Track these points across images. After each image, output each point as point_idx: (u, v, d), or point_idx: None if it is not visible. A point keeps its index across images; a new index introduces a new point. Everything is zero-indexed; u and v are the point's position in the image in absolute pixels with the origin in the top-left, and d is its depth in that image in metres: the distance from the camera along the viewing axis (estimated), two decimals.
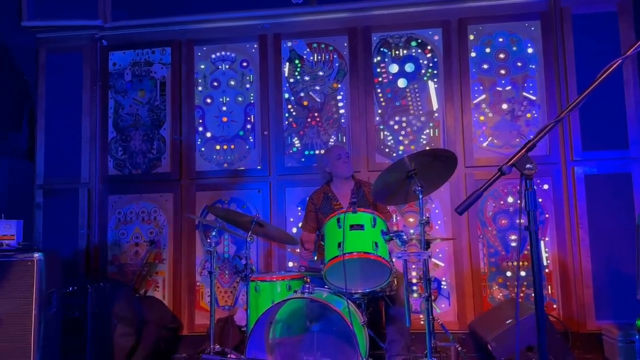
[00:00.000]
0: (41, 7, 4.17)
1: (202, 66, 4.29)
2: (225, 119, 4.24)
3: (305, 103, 4.15)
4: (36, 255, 2.69)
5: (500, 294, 3.78)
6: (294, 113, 4.16)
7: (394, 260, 2.72)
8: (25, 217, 3.86)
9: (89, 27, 4.26)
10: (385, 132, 4.04)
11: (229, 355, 3.08)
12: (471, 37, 4.01)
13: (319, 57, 4.17)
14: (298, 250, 3.95)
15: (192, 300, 4.07)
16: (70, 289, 3.26)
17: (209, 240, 3.22)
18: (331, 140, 4.09)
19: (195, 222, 4.13)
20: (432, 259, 3.80)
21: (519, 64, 3.95)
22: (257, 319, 2.70)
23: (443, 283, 3.85)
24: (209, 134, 4.24)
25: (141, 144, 4.29)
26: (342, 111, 4.12)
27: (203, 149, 4.23)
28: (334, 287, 2.76)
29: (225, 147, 4.22)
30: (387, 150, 4.02)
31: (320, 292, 2.77)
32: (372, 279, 2.72)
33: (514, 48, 3.96)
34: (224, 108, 4.25)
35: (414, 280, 3.86)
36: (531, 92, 3.91)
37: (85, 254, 4.15)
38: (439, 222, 3.90)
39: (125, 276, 4.13)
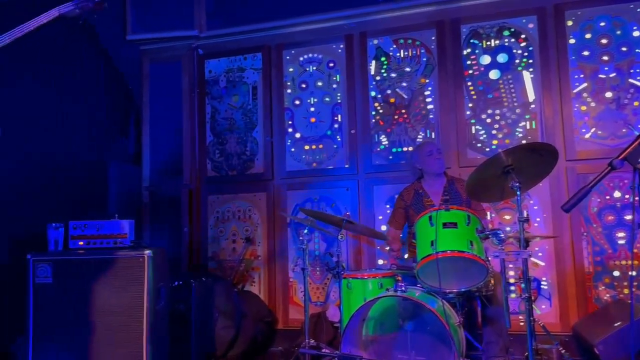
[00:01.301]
0: (143, 22, 4.51)
1: (291, 69, 4.41)
2: (313, 120, 4.33)
3: (392, 100, 4.13)
4: (147, 252, 2.92)
5: (607, 295, 3.53)
6: (380, 111, 4.15)
7: (490, 259, 2.64)
8: (134, 216, 4.21)
9: (186, 38, 4.54)
10: (477, 127, 3.91)
11: (323, 350, 3.14)
12: (569, 23, 3.76)
13: (406, 53, 4.13)
14: (388, 248, 3.94)
15: (286, 295, 4.21)
16: (176, 283, 3.49)
17: (300, 238, 3.31)
18: (419, 136, 4.03)
19: (287, 220, 4.26)
20: (532, 258, 3.62)
21: (624, 48, 3.65)
22: (350, 316, 2.74)
23: (543, 283, 3.66)
24: (298, 135, 4.35)
25: (236, 147, 4.50)
26: (430, 106, 4.05)
27: (293, 150, 4.35)
28: (427, 286, 2.73)
29: (313, 147, 4.30)
30: (479, 145, 3.89)
31: (413, 290, 2.75)
32: (468, 278, 2.66)
33: (618, 32, 3.67)
34: (312, 109, 4.34)
35: (512, 280, 3.71)
36: (638, 78, 3.60)
37: (187, 250, 4.43)
38: (537, 219, 3.71)
39: (224, 271, 4.36)
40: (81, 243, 3.03)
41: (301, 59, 4.39)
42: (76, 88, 3.78)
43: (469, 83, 3.96)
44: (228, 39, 4.54)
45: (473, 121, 3.92)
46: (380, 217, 4.04)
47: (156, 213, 4.56)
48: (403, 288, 2.69)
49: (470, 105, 3.94)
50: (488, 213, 3.75)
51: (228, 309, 3.65)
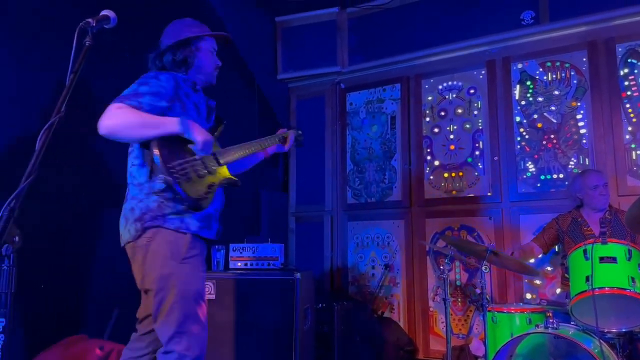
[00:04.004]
0: (292, 62, 4.91)
1: (430, 97, 4.45)
2: (452, 147, 4.30)
3: (539, 125, 3.95)
4: (297, 274, 3.13)
5: None
6: (526, 136, 3.99)
7: None
8: (282, 240, 4.53)
9: (330, 74, 4.84)
10: (638, 152, 3.58)
11: None
12: None
13: (554, 76, 3.94)
14: (538, 282, 3.73)
15: (426, 325, 4.17)
16: (320, 305, 3.67)
17: (441, 267, 3.29)
18: (571, 163, 3.79)
19: (426, 248, 4.26)
20: None
21: None
22: (496, 351, 2.66)
23: None
24: (437, 162, 4.35)
25: (374, 175, 4.63)
26: (582, 131, 3.80)
27: (431, 177, 4.35)
28: (581, 324, 2.55)
29: (453, 174, 4.27)
30: None
31: (566, 328, 2.59)
32: (629, 317, 2.44)
33: None
34: (451, 136, 4.32)
35: None
36: None
37: (329, 274, 4.64)
38: None
39: (364, 296, 4.47)
40: (239, 264, 3.36)
41: (440, 87, 4.42)
42: (236, 124, 4.24)
43: (628, 105, 3.65)
44: (368, 72, 4.74)
45: (633, 146, 3.60)
46: None
47: (301, 237, 4.86)
48: (555, 325, 2.54)
49: (629, 129, 3.63)
50: None
51: (369, 334, 3.74)
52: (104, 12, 1.66)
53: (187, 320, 1.93)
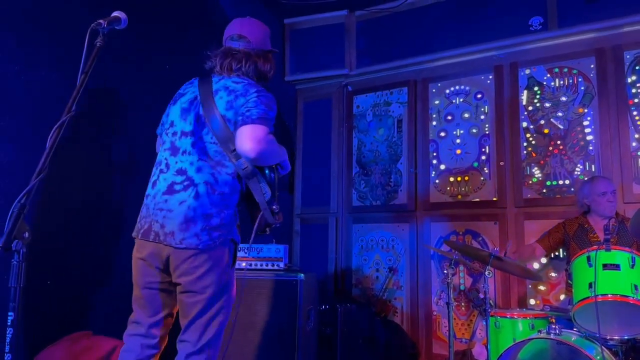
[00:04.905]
0: (300, 63, 4.94)
1: (437, 102, 4.46)
2: (459, 151, 4.31)
3: (545, 131, 3.95)
4: (300, 275, 3.16)
5: None
6: (533, 142, 3.99)
7: None
8: (287, 241, 4.55)
9: (337, 76, 4.86)
10: None
11: None
12: None
13: (561, 82, 3.94)
14: (542, 287, 3.73)
15: (429, 329, 4.18)
16: (323, 307, 3.69)
17: (444, 271, 3.30)
18: (577, 169, 3.79)
19: (430, 252, 4.26)
20: None
21: None
22: (498, 356, 2.66)
23: None
24: (442, 167, 4.35)
25: (380, 178, 4.65)
26: (589, 137, 3.79)
27: (437, 181, 4.36)
28: (584, 331, 2.55)
29: (459, 178, 4.27)
30: None
31: (569, 334, 2.59)
32: (632, 325, 2.44)
33: None
34: (458, 140, 4.32)
35: None
36: None
37: (333, 276, 4.65)
38: None
39: (368, 299, 4.48)
40: (244, 264, 3.38)
41: (447, 91, 4.42)
42: None
43: (635, 112, 3.64)
44: (376, 75, 4.75)
45: None
46: None
47: (305, 239, 4.88)
48: (557, 331, 2.54)
49: (636, 136, 3.62)
50: None
51: (372, 337, 3.75)
52: (115, 14, 1.69)
53: (225, 324, 2.02)
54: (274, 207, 2.01)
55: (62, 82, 2.73)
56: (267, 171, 2.02)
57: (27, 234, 1.20)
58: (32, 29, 2.74)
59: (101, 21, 1.61)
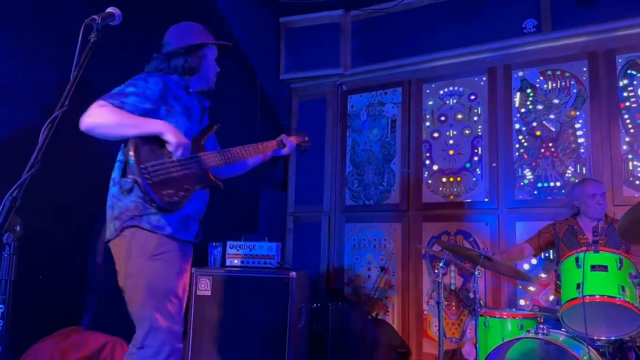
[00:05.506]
0: (295, 62, 4.94)
1: (430, 102, 4.48)
2: (451, 152, 4.33)
3: (538, 133, 3.98)
4: (292, 273, 3.17)
5: None
6: (525, 144, 4.03)
7: None
8: (279, 239, 4.56)
9: (332, 76, 4.88)
10: (635, 162, 3.61)
11: None
12: None
13: (554, 85, 3.97)
14: (531, 288, 3.76)
15: (420, 328, 4.20)
16: (315, 305, 3.70)
17: (436, 271, 3.31)
18: (568, 171, 3.83)
19: (422, 251, 4.28)
20: None
21: None
22: (486, 355, 2.68)
23: None
24: (435, 167, 4.38)
25: (373, 177, 4.67)
26: (581, 140, 3.83)
27: (430, 182, 4.38)
28: (572, 331, 2.58)
29: (451, 179, 4.30)
30: (637, 182, 3.58)
31: (557, 334, 2.62)
32: (619, 326, 2.47)
33: None
34: (451, 141, 4.35)
35: None
36: None
37: (325, 274, 4.67)
38: None
39: (359, 298, 4.50)
40: (236, 262, 3.39)
41: (441, 92, 4.45)
42: (238, 122, 4.28)
43: (626, 116, 3.68)
44: (370, 75, 4.77)
45: (630, 157, 3.63)
46: None
47: (298, 237, 4.89)
48: (545, 331, 2.57)
49: (627, 139, 3.66)
50: None
51: (362, 335, 3.77)
52: (110, 10, 1.70)
53: (158, 316, 1.97)
54: (126, 185, 1.99)
55: (56, 78, 2.74)
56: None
57: (18, 227, 1.21)
58: (27, 23, 2.73)
59: (95, 17, 1.61)
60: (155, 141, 1.99)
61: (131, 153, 1.93)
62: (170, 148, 2.00)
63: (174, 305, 2.01)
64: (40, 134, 1.35)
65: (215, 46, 2.34)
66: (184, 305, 2.10)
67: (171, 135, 1.98)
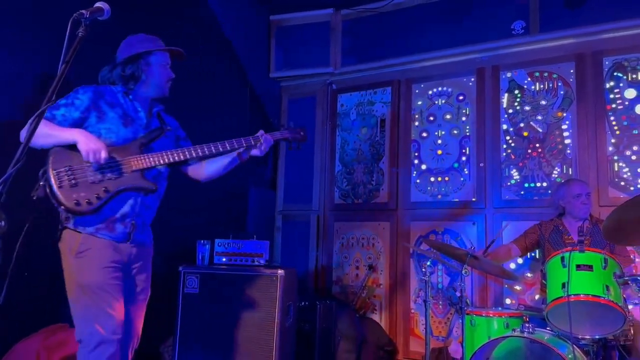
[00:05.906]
0: (285, 60, 4.94)
1: (419, 102, 4.50)
2: (440, 152, 4.35)
3: (525, 134, 4.02)
4: (280, 271, 3.17)
5: None
6: (512, 144, 4.06)
7: (630, 307, 2.46)
8: (268, 237, 4.55)
9: (322, 74, 4.88)
10: (620, 164, 3.65)
11: None
12: None
13: (542, 86, 4.01)
14: (518, 287, 3.80)
15: (407, 326, 4.22)
16: (303, 303, 3.70)
17: (423, 270, 3.33)
18: (555, 172, 3.87)
19: (410, 250, 4.30)
20: None
21: None
22: (472, 354, 2.70)
23: None
24: (424, 166, 4.40)
25: (362, 176, 4.68)
26: (567, 141, 3.87)
27: (418, 181, 4.40)
28: (557, 330, 2.61)
29: (439, 179, 4.32)
30: (622, 183, 3.63)
31: (542, 333, 2.65)
32: (603, 325, 2.50)
33: None
34: (439, 141, 4.37)
35: None
36: None
37: (314, 273, 4.67)
38: None
39: (347, 296, 4.51)
40: (224, 259, 3.38)
41: (430, 92, 4.47)
42: (227, 120, 4.26)
43: (612, 118, 3.72)
44: (360, 75, 4.78)
45: (616, 158, 3.68)
46: None
47: (287, 235, 4.89)
48: (530, 330, 2.60)
49: (613, 141, 3.70)
50: (632, 257, 3.45)
51: (350, 334, 3.78)
52: (98, 4, 1.68)
53: (88, 311, 2.05)
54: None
55: (35, 72, 2.71)
56: None
57: (3, 223, 1.20)
58: (9, 16, 2.70)
59: (83, 11, 1.60)
60: (76, 148, 2.08)
61: (48, 159, 2.04)
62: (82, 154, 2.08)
63: (103, 299, 2.07)
64: (27, 128, 1.33)
65: (164, 52, 2.36)
66: (121, 297, 2.13)
67: (82, 143, 2.06)
